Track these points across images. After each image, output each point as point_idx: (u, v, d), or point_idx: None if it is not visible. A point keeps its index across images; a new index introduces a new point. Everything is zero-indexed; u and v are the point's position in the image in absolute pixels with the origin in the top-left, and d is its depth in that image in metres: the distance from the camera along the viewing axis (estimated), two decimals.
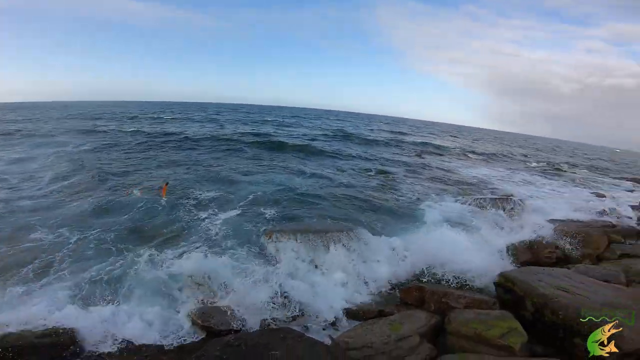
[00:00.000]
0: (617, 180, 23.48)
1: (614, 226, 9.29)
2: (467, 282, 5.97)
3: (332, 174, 14.70)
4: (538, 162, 29.65)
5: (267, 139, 23.11)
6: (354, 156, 20.12)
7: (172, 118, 37.27)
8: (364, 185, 13.20)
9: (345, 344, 3.92)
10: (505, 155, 31.55)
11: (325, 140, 26.39)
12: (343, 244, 6.68)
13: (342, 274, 6.08)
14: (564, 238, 7.91)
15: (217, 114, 47.69)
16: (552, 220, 9.63)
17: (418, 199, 11.71)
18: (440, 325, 4.38)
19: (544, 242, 7.69)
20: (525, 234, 8.14)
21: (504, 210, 9.98)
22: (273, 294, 5.15)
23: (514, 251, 7.28)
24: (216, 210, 8.88)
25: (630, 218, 11.19)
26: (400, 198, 11.74)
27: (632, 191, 18.91)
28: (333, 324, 4.91)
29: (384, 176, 15.38)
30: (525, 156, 33.61)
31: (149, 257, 6.01)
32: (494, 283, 5.31)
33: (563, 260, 7.21)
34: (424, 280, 6.13)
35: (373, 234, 7.54)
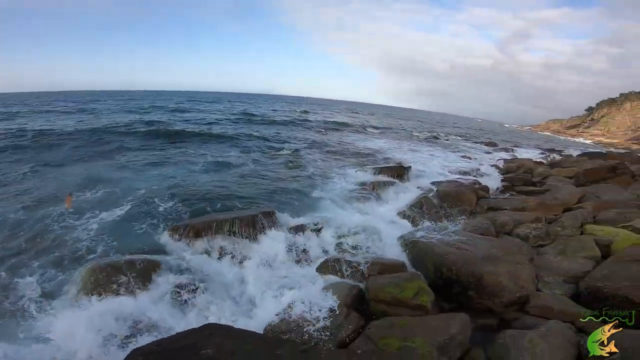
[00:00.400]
0: (478, 145, 28.16)
1: (479, 183, 10.85)
2: (377, 250, 6.05)
3: (237, 158, 13.78)
4: (420, 132, 33.47)
5: (159, 127, 19.90)
6: (259, 138, 19.23)
7: (30, 111, 28.37)
8: (271, 166, 12.66)
9: (278, 328, 3.68)
10: (396, 128, 34.74)
11: (228, 124, 24.63)
12: (257, 229, 6.24)
13: (259, 260, 5.67)
14: (445, 197, 8.89)
15: (92, 103, 38.85)
16: (434, 183, 10.77)
17: (324, 173, 11.76)
18: (362, 294, 4.37)
19: (430, 203, 8.41)
20: (415, 197, 8.80)
21: (395, 177, 10.71)
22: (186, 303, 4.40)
23: (409, 214, 7.79)
24: (97, 212, 7.22)
25: (490, 175, 13.38)
26: (309, 175, 11.65)
27: (489, 152, 23.15)
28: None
29: (291, 155, 15.13)
30: (412, 128, 37.72)
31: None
32: (407, 248, 5.48)
33: (446, 218, 7.82)
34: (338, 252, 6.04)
35: (285, 214, 7.23)
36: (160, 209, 7.65)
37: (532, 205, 7.99)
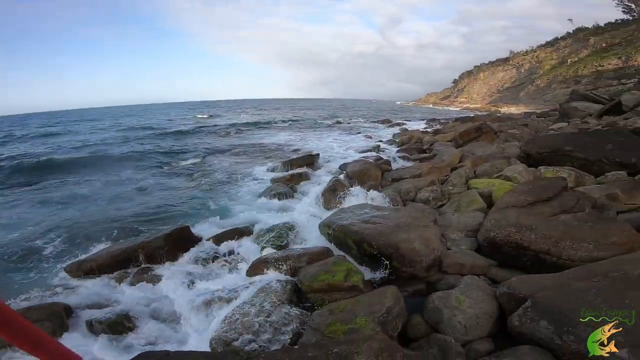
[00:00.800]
0: (376, 123, 30.47)
1: (381, 158, 11.45)
2: (301, 241, 5.86)
3: (134, 178, 11.90)
4: (324, 119, 34.68)
5: (23, 160, 15.63)
6: (157, 152, 16.99)
7: None
8: (175, 179, 11.39)
9: (222, 342, 3.28)
10: (301, 119, 35.12)
11: (116, 142, 21.17)
12: (173, 248, 5.58)
13: (183, 279, 4.97)
14: (354, 177, 9.29)
15: None
16: (342, 165, 10.95)
17: (235, 176, 10.99)
18: (297, 288, 4.11)
19: (342, 185, 8.56)
20: (327, 183, 8.68)
21: (306, 167, 10.62)
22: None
23: (323, 200, 7.64)
24: None
25: (389, 149, 14.52)
26: (218, 181, 10.72)
27: (386, 129, 25.18)
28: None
29: (196, 164, 13.94)
30: (316, 116, 38.69)
31: None
32: (329, 233, 5.28)
33: (358, 196, 8.14)
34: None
35: (201, 226, 6.71)
36: (47, 251, 6.31)
37: (426, 170, 8.59)
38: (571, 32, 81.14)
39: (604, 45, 65.80)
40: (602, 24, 71.94)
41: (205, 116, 41.67)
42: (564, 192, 4.49)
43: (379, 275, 4.32)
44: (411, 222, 4.83)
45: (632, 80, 46.56)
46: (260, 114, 44.80)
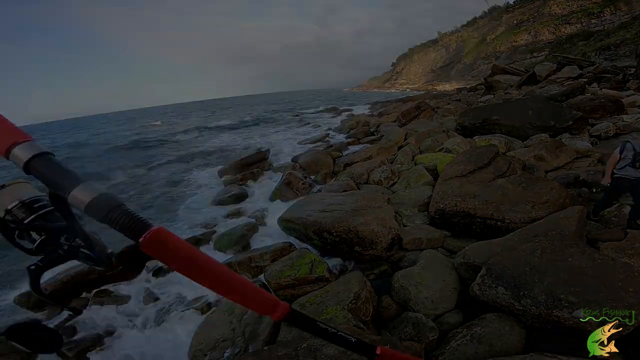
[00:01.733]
0: (324, 113, 30.41)
1: (332, 146, 11.50)
2: (262, 240, 5.64)
3: None
4: (273, 113, 34.09)
5: None
6: (97, 174, 15.28)
7: None
8: (122, 195, 10.61)
9: (199, 354, 3.09)
10: (249, 116, 34.17)
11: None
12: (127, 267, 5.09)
13: (139, 297, 4.66)
14: (307, 167, 9.00)
15: None
16: (294, 158, 10.70)
17: (182, 183, 10.39)
18: (265, 287, 3.84)
19: (296, 178, 8.50)
20: (281, 177, 8.52)
21: (257, 165, 10.28)
22: None
23: (281, 195, 7.51)
24: None
25: (338, 136, 14.64)
26: (165, 191, 10.08)
27: (334, 117, 25.36)
28: None
29: (135, 178, 12.84)
30: (264, 112, 37.77)
31: None
32: (289, 228, 5.18)
33: (312, 186, 7.90)
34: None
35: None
36: None
37: (375, 151, 8.78)
38: (487, 11, 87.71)
39: (515, 22, 72.13)
40: (512, 2, 78.42)
41: (144, 125, 38.63)
42: (497, 158, 4.78)
43: (343, 261, 4.30)
44: (366, 205, 4.84)
45: (542, 53, 52.03)
46: (207, 115, 42.70)
